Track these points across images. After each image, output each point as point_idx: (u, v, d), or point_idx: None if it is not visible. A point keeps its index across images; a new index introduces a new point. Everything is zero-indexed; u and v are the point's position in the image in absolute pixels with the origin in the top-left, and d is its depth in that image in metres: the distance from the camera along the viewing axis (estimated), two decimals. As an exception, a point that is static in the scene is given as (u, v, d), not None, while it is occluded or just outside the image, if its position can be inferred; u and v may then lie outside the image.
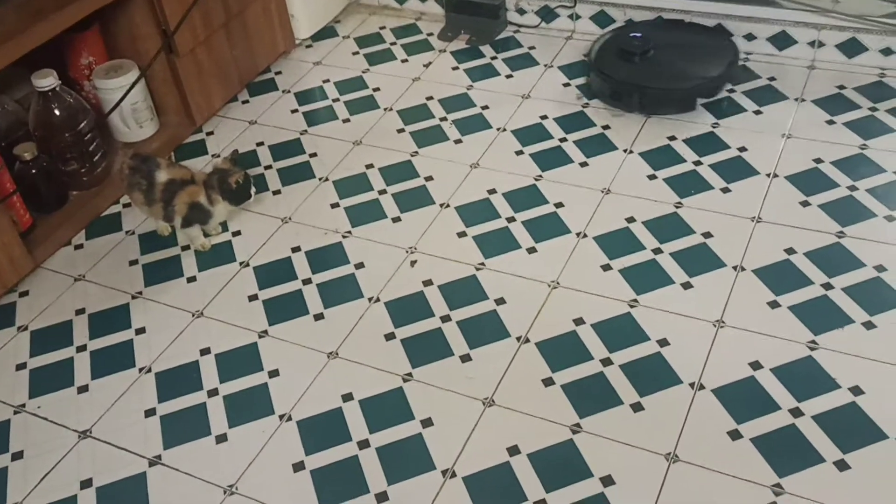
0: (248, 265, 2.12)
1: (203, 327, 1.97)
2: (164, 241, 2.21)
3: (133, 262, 2.16)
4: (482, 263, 2.03)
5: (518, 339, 1.84)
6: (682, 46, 2.52)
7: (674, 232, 2.04)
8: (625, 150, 2.30)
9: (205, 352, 1.90)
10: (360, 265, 2.08)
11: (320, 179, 2.35)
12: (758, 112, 2.37)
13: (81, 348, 1.95)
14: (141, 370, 1.88)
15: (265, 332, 1.93)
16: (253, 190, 2.13)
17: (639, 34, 2.52)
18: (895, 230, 1.96)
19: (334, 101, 2.66)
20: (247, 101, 2.70)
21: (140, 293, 2.07)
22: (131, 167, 2.08)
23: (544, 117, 2.47)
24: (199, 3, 2.37)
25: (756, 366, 1.71)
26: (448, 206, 2.21)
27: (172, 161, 2.38)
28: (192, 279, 2.10)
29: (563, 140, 2.37)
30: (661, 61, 2.46)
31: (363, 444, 1.67)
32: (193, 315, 2.00)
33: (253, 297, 2.03)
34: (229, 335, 1.93)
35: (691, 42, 2.55)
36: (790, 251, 1.95)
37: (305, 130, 2.55)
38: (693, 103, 2.40)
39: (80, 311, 2.04)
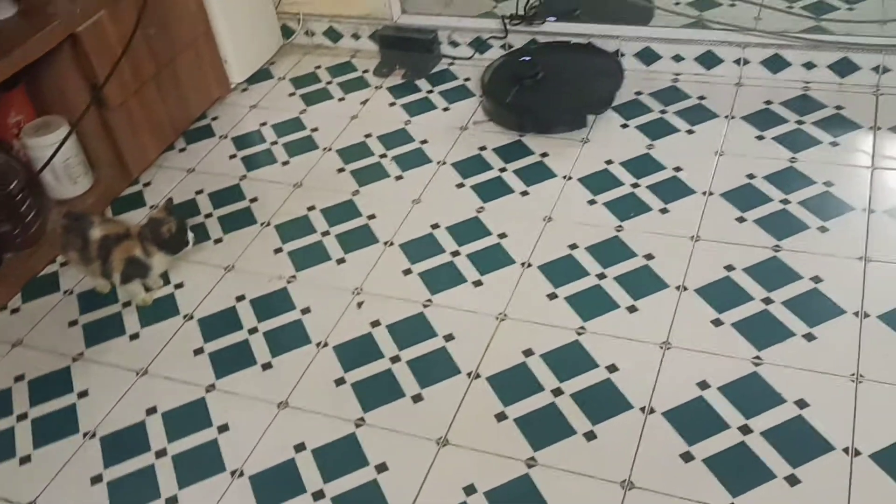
0: (192, 318, 2.08)
1: (148, 386, 1.92)
2: (104, 300, 2.16)
3: (73, 323, 2.11)
4: (429, 300, 2.03)
5: (469, 374, 1.84)
6: (571, 68, 2.63)
7: (616, 256, 2.06)
8: (564, 177, 2.33)
9: (151, 411, 1.86)
10: (306, 310, 2.06)
11: (262, 225, 2.33)
12: (690, 131, 2.42)
13: (22, 417, 1.89)
14: (85, 435, 1.83)
15: (213, 385, 1.90)
16: (190, 236, 2.10)
17: (528, 57, 2.58)
18: (828, 241, 2.00)
19: (273, 143, 2.64)
20: (184, 149, 2.67)
21: (81, 355, 2.02)
22: (64, 226, 2.04)
23: (483, 148, 2.48)
24: (128, 55, 2.34)
25: (703, 385, 1.73)
26: (392, 243, 2.21)
27: (106, 216, 2.34)
28: (134, 336, 2.05)
29: (502, 170, 2.39)
30: (550, 83, 2.54)
31: (318, 496, 1.64)
32: (138, 374, 1.95)
33: (199, 351, 1.99)
34: (176, 392, 1.90)
35: (580, 63, 2.65)
36: (729, 268, 1.98)
37: (245, 175, 2.53)
38: (584, 120, 2.48)
39: (18, 378, 1.98)
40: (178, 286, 2.18)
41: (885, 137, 2.27)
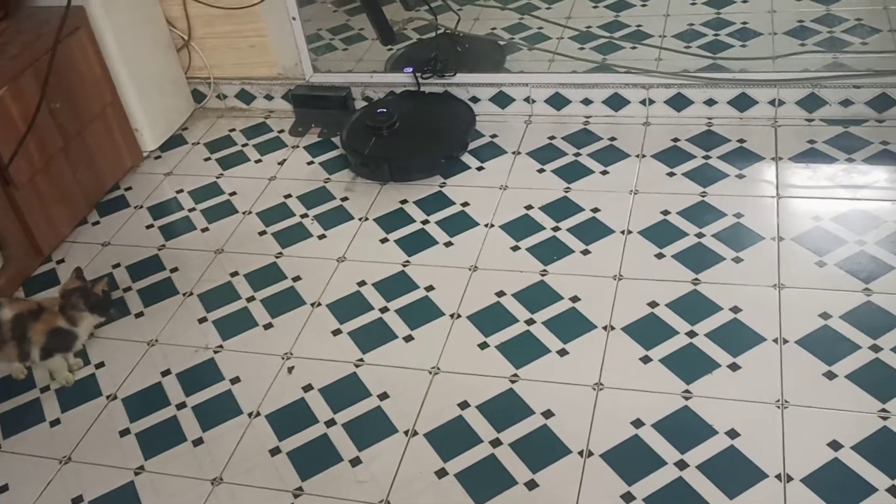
0: (115, 398, 2.01)
1: (73, 473, 1.84)
2: (19, 386, 2.07)
3: (-13, 414, 2.01)
4: (361, 359, 2.01)
5: (406, 432, 1.82)
6: (426, 115, 2.72)
7: (543, 300, 2.09)
8: (486, 225, 2.35)
9: (77, 500, 1.78)
10: (235, 380, 2.01)
11: (184, 295, 2.28)
12: (605, 172, 2.48)
13: (-64, 520, 1.78)
14: (7, 533, 1.74)
15: (141, 468, 1.83)
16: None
17: (384, 109, 2.66)
18: (743, 271, 2.07)
19: (190, 210, 2.60)
20: (97, 223, 2.60)
21: (-2, 447, 1.93)
22: (-30, 314, 1.96)
23: (404, 201, 2.49)
24: (33, 130, 2.28)
25: (638, 423, 1.76)
26: (320, 304, 2.18)
27: (14, 297, 2.26)
28: (55, 422, 1.97)
29: (425, 222, 2.40)
30: (406, 132, 2.61)
31: (259, 574, 1.59)
32: (61, 462, 1.87)
33: (125, 432, 1.92)
34: (103, 478, 1.82)
35: (434, 111, 2.74)
36: (653, 304, 2.03)
37: (163, 245, 2.48)
38: (440, 166, 2.56)
39: (-70, 479, 1.87)
40: (99, 365, 2.10)
41: (786, 167, 2.38)
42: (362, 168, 2.61)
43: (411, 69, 2.80)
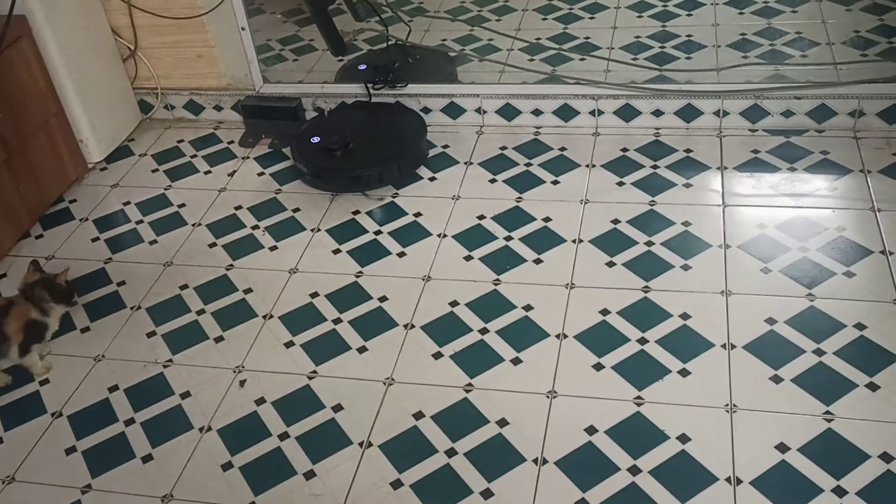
0: (61, 415, 1.96)
1: (16, 494, 1.79)
2: (-41, 406, 2.01)
3: (-75, 435, 1.94)
4: (314, 371, 1.99)
5: (361, 444, 1.81)
6: (377, 129, 2.72)
7: (496, 309, 2.10)
8: (439, 235, 2.36)
9: (21, 522, 1.73)
10: (185, 394, 1.98)
11: (132, 308, 2.24)
12: (555, 182, 2.51)
13: None
14: (-54, 558, 1.68)
15: (88, 486, 1.79)
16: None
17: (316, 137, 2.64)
18: (692, 278, 2.11)
19: (138, 223, 2.55)
20: (40, 236, 2.54)
21: (-63, 469, 1.86)
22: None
23: (356, 212, 2.48)
24: (-27, 142, 2.22)
25: (591, 430, 1.77)
26: (272, 316, 2.16)
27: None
28: (-3, 442, 1.92)
29: (377, 233, 2.40)
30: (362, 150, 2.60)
31: (212, 592, 1.56)
32: (4, 482, 1.82)
33: (71, 450, 1.87)
34: (48, 497, 1.77)
35: (384, 122, 2.75)
36: (605, 312, 2.05)
37: (110, 258, 2.43)
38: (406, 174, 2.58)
39: None
40: (44, 382, 2.05)
41: (731, 176, 2.43)
42: (315, 180, 2.60)
43: (364, 67, 2.78)
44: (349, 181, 2.55)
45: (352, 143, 2.59)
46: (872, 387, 1.78)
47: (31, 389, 2.03)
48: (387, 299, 2.17)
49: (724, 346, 1.92)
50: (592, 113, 2.70)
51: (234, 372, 2.01)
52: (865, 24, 2.95)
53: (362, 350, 2.04)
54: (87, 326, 2.20)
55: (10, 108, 2.39)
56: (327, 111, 2.86)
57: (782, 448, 1.69)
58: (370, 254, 2.32)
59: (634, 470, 1.68)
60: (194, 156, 2.83)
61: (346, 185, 2.56)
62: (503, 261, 2.24)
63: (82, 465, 1.84)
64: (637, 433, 1.75)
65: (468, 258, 2.27)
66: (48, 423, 1.94)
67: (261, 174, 2.71)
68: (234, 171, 2.73)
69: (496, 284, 2.17)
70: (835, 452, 1.67)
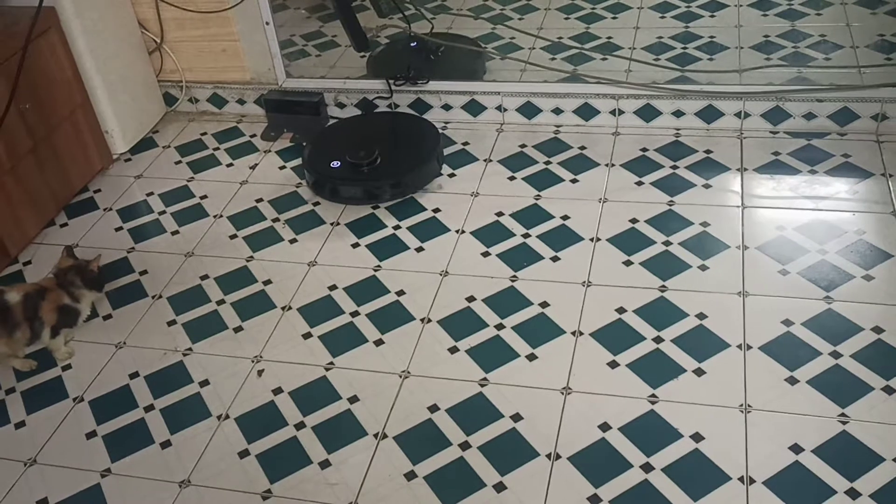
0: (82, 400, 1.99)
1: (38, 475, 1.82)
2: (-17, 389, 2.05)
3: (-50, 416, 1.98)
4: (331, 363, 2.01)
5: (376, 435, 1.83)
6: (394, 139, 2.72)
7: (513, 305, 2.11)
8: (457, 231, 2.37)
9: (41, 503, 1.76)
10: (204, 382, 2.00)
11: (153, 297, 2.27)
12: (574, 181, 2.52)
13: None
14: (-31, 536, 1.71)
15: (108, 470, 1.82)
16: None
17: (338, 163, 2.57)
18: (709, 279, 2.11)
19: (161, 213, 2.59)
20: (65, 224, 2.58)
21: (-39, 449, 1.90)
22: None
23: (376, 207, 2.50)
24: (1, 132, 2.26)
25: (605, 427, 1.78)
26: (290, 307, 2.19)
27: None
28: (20, 424, 1.95)
29: (396, 227, 2.41)
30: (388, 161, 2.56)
31: (227, 576, 1.59)
32: (26, 464, 1.85)
33: (91, 434, 1.91)
34: (68, 480, 1.80)
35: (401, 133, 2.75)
36: (621, 310, 2.06)
37: (133, 248, 2.46)
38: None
39: None
40: (66, 368, 2.08)
41: (751, 178, 2.43)
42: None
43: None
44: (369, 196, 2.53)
45: (379, 157, 2.54)
46: (889, 390, 1.78)
47: (53, 374, 2.07)
48: (404, 293, 2.19)
49: (739, 346, 1.92)
50: (613, 112, 2.71)
51: (253, 362, 2.04)
52: (890, 28, 2.93)
53: (379, 343, 2.05)
54: (110, 314, 2.23)
55: (37, 98, 2.43)
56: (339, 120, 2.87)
57: (796, 449, 1.69)
58: (388, 248, 2.34)
59: (647, 467, 1.69)
60: (217, 148, 2.87)
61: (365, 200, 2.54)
62: (520, 257, 2.25)
63: (102, 449, 1.87)
64: (651, 431, 1.76)
65: (486, 254, 2.28)
66: (70, 407, 1.98)
67: (282, 168, 2.73)
68: (256, 165, 2.76)
69: (513, 281, 2.18)
70: (849, 454, 1.67)
